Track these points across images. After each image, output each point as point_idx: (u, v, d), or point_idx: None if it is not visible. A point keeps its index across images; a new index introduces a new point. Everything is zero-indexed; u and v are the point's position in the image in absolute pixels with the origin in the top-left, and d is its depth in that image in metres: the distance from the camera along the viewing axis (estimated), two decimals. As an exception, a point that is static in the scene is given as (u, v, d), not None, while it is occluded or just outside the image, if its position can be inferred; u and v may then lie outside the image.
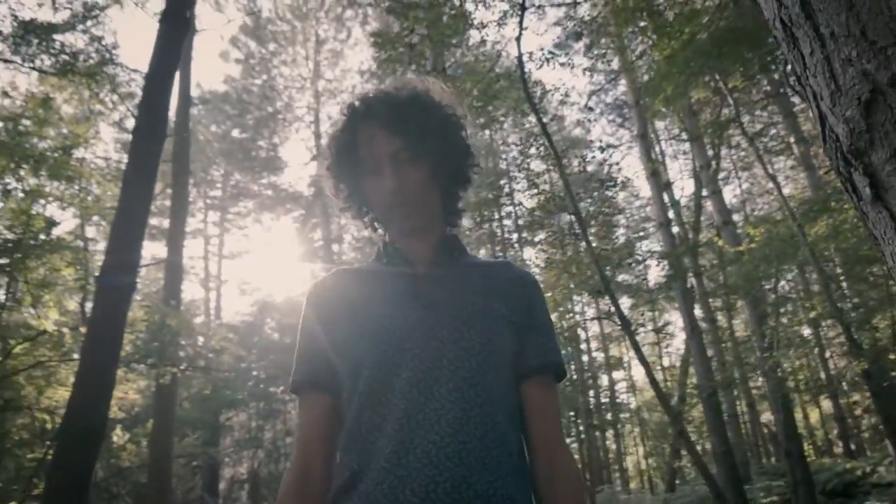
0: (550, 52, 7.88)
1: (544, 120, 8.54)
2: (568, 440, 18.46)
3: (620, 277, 13.42)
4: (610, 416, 18.19)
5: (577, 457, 18.80)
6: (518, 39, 6.71)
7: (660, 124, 14.61)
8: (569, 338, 12.92)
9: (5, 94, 8.86)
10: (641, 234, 17.69)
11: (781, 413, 8.90)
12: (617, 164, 12.94)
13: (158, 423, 10.33)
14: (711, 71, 7.36)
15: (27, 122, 8.51)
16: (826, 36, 0.84)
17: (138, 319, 8.67)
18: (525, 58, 7.27)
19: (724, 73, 7.77)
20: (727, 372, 11.44)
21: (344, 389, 1.02)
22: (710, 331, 11.46)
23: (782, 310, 10.15)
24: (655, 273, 15.77)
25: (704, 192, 11.13)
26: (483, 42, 8.30)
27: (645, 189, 20.77)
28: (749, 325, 11.66)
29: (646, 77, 9.48)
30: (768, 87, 11.08)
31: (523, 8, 6.78)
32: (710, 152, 11.06)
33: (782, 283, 10.89)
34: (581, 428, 17.39)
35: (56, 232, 8.18)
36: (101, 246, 13.48)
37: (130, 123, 9.96)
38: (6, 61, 7.89)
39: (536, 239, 15.24)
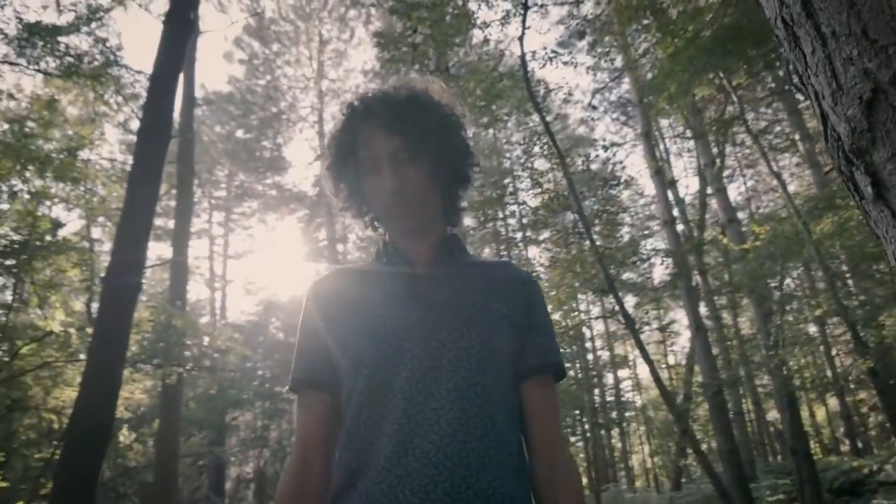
0: (553, 51, 7.86)
1: (548, 119, 8.53)
2: (573, 439, 18.50)
3: (625, 275, 13.40)
4: (615, 414, 18.16)
5: (582, 455, 18.81)
6: (521, 39, 6.71)
7: (664, 122, 14.57)
8: (574, 336, 12.90)
9: (11, 96, 8.90)
10: (646, 232, 17.67)
11: (787, 411, 8.87)
12: (620, 162, 12.85)
13: (164, 422, 10.38)
14: (715, 68, 7.34)
15: (33, 124, 8.56)
16: (827, 35, 0.84)
17: (144, 320, 8.71)
18: (528, 57, 7.26)
19: (728, 70, 7.74)
20: (732, 370, 11.42)
21: (343, 388, 1.02)
22: (715, 329, 11.43)
23: (788, 307, 10.11)
24: (660, 271, 15.76)
25: (709, 190, 11.10)
26: (486, 41, 8.29)
27: (649, 187, 20.79)
28: (754, 323, 11.63)
29: (649, 75, 9.45)
30: (773, 84, 11.04)
31: (526, 7, 6.77)
32: (715, 150, 11.03)
33: (788, 280, 10.84)
34: (586, 426, 17.38)
35: (62, 233, 8.25)
36: (107, 247, 13.55)
37: (135, 124, 10.02)
38: (12, 64, 7.93)
39: (540, 238, 15.24)
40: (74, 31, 8.55)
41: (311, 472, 1.00)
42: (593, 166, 13.04)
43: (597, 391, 19.05)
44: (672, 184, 11.01)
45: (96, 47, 8.95)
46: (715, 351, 10.76)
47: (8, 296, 7.97)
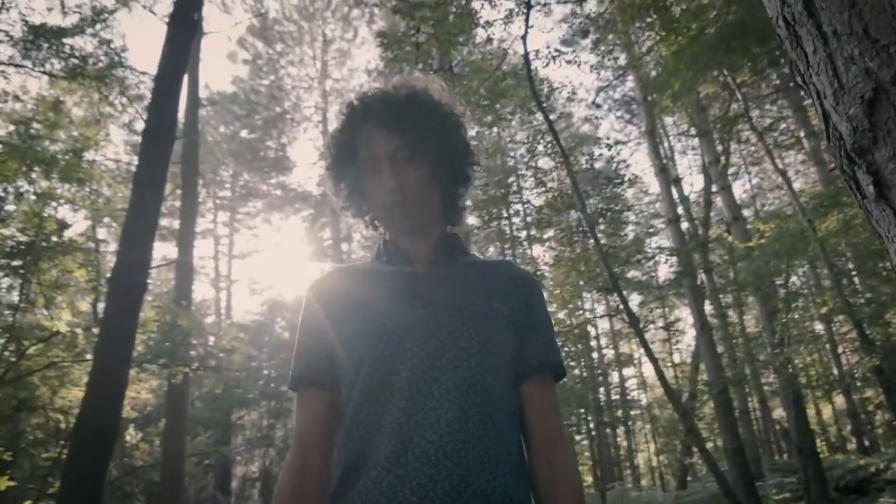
0: (557, 50, 7.85)
1: (551, 117, 8.53)
2: (578, 437, 18.47)
3: (630, 274, 13.37)
4: (620, 412, 18.13)
5: (587, 454, 18.76)
6: (524, 38, 6.70)
7: (668, 120, 14.53)
8: (578, 335, 12.88)
9: (16, 98, 8.95)
10: (651, 230, 17.64)
11: (793, 409, 8.85)
12: (624, 161, 12.82)
13: (171, 422, 10.42)
14: (719, 66, 7.32)
15: (38, 126, 8.60)
16: (829, 34, 0.84)
17: (150, 320, 8.74)
18: (531, 56, 7.25)
19: (732, 67, 7.72)
20: (738, 368, 11.39)
21: (343, 387, 1.02)
22: (720, 327, 11.40)
23: (793, 305, 10.08)
24: (665, 269, 15.71)
25: (714, 188, 11.07)
26: (489, 40, 8.28)
27: (654, 185, 20.70)
28: (760, 321, 11.59)
29: (653, 73, 9.43)
30: (778, 82, 11.00)
31: (528, 6, 6.76)
32: (720, 147, 11.00)
33: (793, 278, 10.82)
34: (591, 425, 17.36)
35: (68, 234, 8.27)
36: (113, 247, 13.60)
37: (140, 125, 10.04)
38: (17, 66, 7.97)
39: (545, 236, 15.23)
40: (79, 32, 8.60)
41: (310, 471, 1.00)
42: (597, 165, 13.03)
43: (602, 389, 19.01)
44: (677, 182, 10.98)
45: (101, 49, 9.01)
46: (720, 349, 10.74)
47: (15, 296, 8.01)
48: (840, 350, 16.28)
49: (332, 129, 1.15)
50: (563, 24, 13.79)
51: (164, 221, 17.54)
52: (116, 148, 15.46)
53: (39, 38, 7.76)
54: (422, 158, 1.06)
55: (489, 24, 7.64)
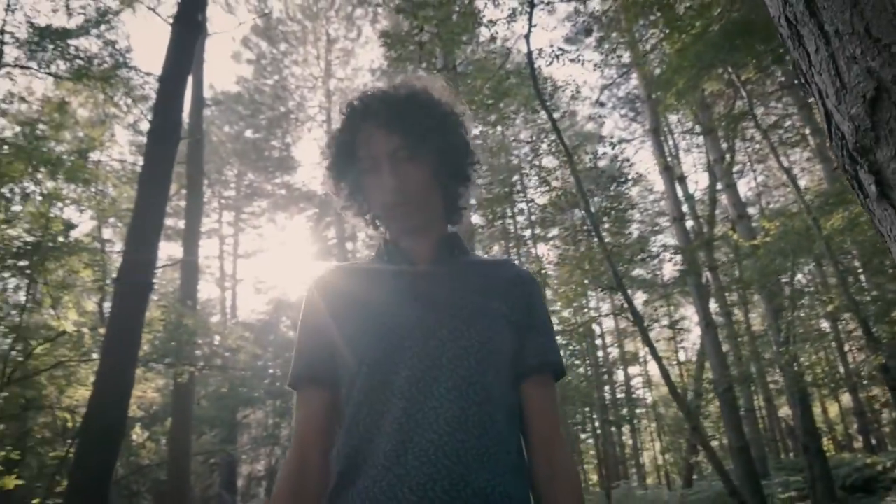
0: (560, 49, 7.84)
1: (555, 116, 8.52)
2: (583, 436, 18.47)
3: (635, 272, 13.35)
4: (626, 411, 18.11)
5: (592, 452, 18.69)
6: (527, 37, 6.70)
7: (673, 118, 14.48)
8: (583, 333, 12.86)
9: (22, 99, 8.99)
10: (656, 228, 17.59)
11: (799, 408, 8.83)
12: (628, 160, 12.77)
13: (176, 421, 10.46)
14: (724, 64, 7.29)
15: (44, 127, 8.65)
16: (831, 33, 0.84)
17: (156, 319, 8.78)
18: (535, 54, 7.25)
19: (737, 65, 7.69)
20: (743, 367, 11.35)
21: (343, 386, 1.03)
22: (725, 325, 11.37)
23: (799, 303, 10.04)
24: (670, 268, 15.68)
25: (719, 186, 11.04)
26: (493, 39, 8.27)
27: (659, 183, 20.63)
28: (765, 320, 11.56)
29: (657, 71, 9.41)
30: (783, 79, 10.95)
31: (532, 4, 6.76)
32: (725, 145, 10.97)
33: (799, 276, 10.77)
34: (597, 424, 17.34)
35: (74, 234, 8.32)
36: (118, 247, 13.66)
37: (145, 126, 10.09)
38: (23, 67, 8.01)
39: (549, 235, 15.22)
40: (84, 33, 8.63)
41: (309, 469, 1.00)
42: (602, 163, 13.01)
43: (607, 388, 18.99)
44: (681, 180, 10.95)
45: (106, 50, 9.05)
46: (725, 347, 10.71)
47: (22, 296, 8.06)
48: (846, 348, 16.20)
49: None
50: (567, 23, 13.78)
51: (169, 221, 17.60)
52: (121, 148, 15.54)
53: (45, 40, 7.79)
54: (422, 158, 1.06)
55: (492, 22, 7.64)
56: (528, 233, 16.02)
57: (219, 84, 40.06)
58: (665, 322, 17.12)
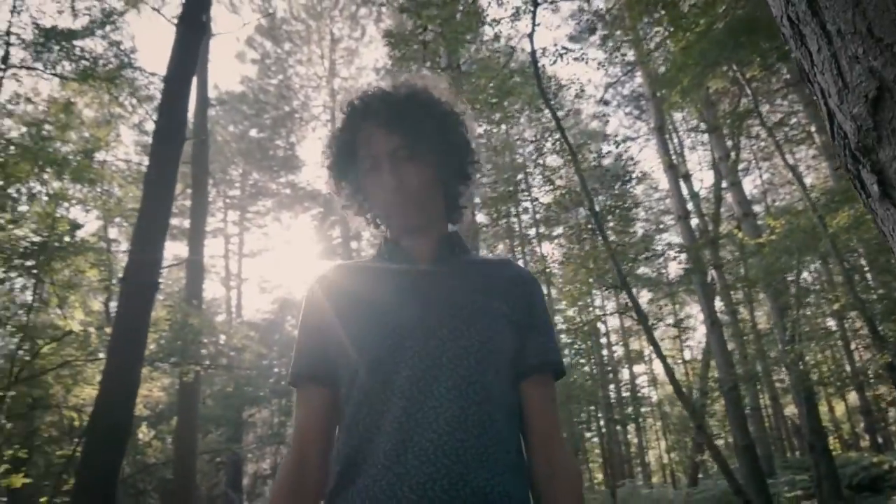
0: (564, 48, 7.82)
1: (560, 114, 8.51)
2: (588, 434, 18.43)
3: (640, 270, 13.32)
4: (631, 409, 18.09)
5: (597, 451, 18.64)
6: (531, 36, 6.69)
7: (677, 116, 14.46)
8: (588, 332, 12.85)
9: (28, 100, 9.04)
10: (660, 226, 17.56)
11: (805, 406, 8.79)
12: (632, 158, 12.73)
13: (182, 420, 10.51)
14: (728, 61, 7.27)
15: (50, 127, 8.68)
16: (833, 33, 0.84)
17: (161, 319, 8.80)
18: (538, 53, 7.23)
19: (742, 62, 7.66)
20: (749, 365, 11.32)
21: (342, 385, 1.03)
22: (731, 324, 11.34)
23: (805, 302, 10.01)
24: (675, 266, 15.64)
25: (724, 184, 11.00)
26: (497, 38, 8.27)
27: (664, 181, 20.58)
28: (771, 318, 11.52)
29: (662, 69, 9.39)
30: (788, 76, 10.90)
31: (535, 3, 6.74)
32: (730, 143, 10.93)
33: (805, 274, 10.73)
34: (602, 422, 17.32)
35: (80, 234, 8.34)
36: (124, 247, 13.72)
37: (150, 126, 10.11)
38: (29, 68, 8.05)
39: (554, 234, 15.20)
40: (89, 34, 8.66)
41: (309, 467, 1.01)
42: (606, 162, 12.98)
43: (612, 386, 18.97)
44: (686, 178, 10.91)
45: (111, 50, 9.08)
46: (731, 346, 10.67)
47: (28, 296, 8.10)
48: (852, 346, 16.14)
49: (337, 127, 1.15)
50: (571, 21, 13.75)
51: (174, 221, 17.65)
52: (127, 148, 15.56)
53: (50, 41, 7.83)
54: (422, 157, 1.07)
55: (496, 21, 7.63)
56: (532, 231, 16.02)
57: (223, 84, 40.15)
58: (670, 320, 17.08)
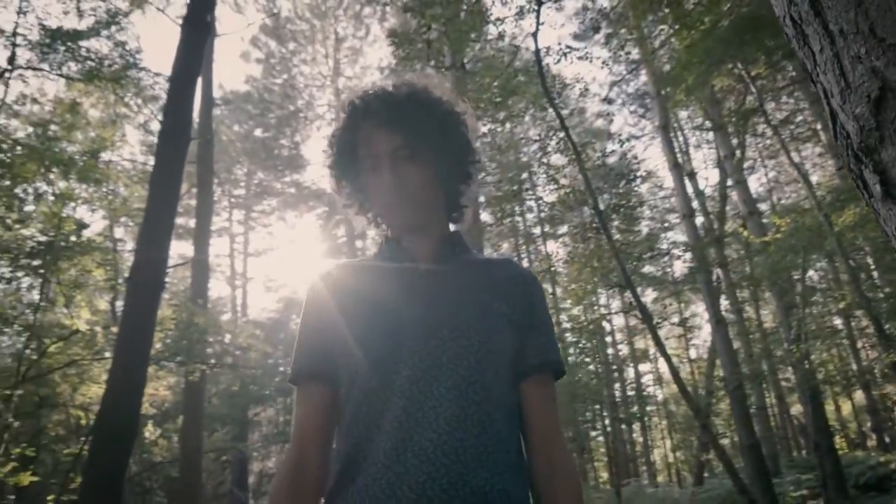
0: (568, 47, 7.81)
1: (564, 113, 8.50)
2: (593, 433, 18.41)
3: (645, 269, 13.28)
4: (636, 408, 18.05)
5: (602, 450, 18.61)
6: (535, 35, 6.68)
7: (682, 114, 14.40)
8: (593, 331, 12.83)
9: (34, 100, 9.09)
10: (665, 225, 17.50)
11: (810, 405, 8.77)
12: (636, 157, 12.72)
13: (188, 419, 10.55)
14: (733, 59, 7.25)
15: (56, 127, 8.73)
16: (835, 33, 0.84)
17: (167, 318, 8.84)
18: (542, 52, 7.23)
19: (747, 60, 7.64)
20: (755, 364, 11.29)
21: (342, 384, 1.03)
22: (736, 323, 11.30)
23: (811, 300, 9.97)
24: (680, 265, 15.61)
25: (729, 182, 10.96)
26: (501, 37, 8.26)
27: (669, 179, 20.51)
28: (776, 317, 11.48)
29: (667, 67, 9.36)
30: (793, 73, 10.85)
31: (540, 2, 6.74)
32: (735, 141, 10.89)
33: (810, 273, 10.69)
34: (607, 421, 17.29)
35: (86, 234, 8.38)
36: (130, 246, 13.78)
37: (155, 125, 10.17)
38: (35, 69, 8.09)
39: (558, 233, 15.18)
40: (95, 35, 8.70)
41: (308, 465, 1.01)
42: (610, 160, 12.94)
43: (617, 385, 18.93)
44: (691, 176, 10.88)
45: (116, 50, 9.11)
46: (736, 345, 10.64)
47: (35, 295, 8.15)
48: (859, 345, 16.07)
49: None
50: (575, 19, 13.72)
51: (180, 220, 17.70)
52: (132, 148, 15.66)
53: (56, 42, 7.86)
54: (422, 157, 1.07)
55: (500, 20, 7.62)
56: (537, 230, 16.02)
57: (228, 83, 40.23)
58: (675, 319, 17.04)
